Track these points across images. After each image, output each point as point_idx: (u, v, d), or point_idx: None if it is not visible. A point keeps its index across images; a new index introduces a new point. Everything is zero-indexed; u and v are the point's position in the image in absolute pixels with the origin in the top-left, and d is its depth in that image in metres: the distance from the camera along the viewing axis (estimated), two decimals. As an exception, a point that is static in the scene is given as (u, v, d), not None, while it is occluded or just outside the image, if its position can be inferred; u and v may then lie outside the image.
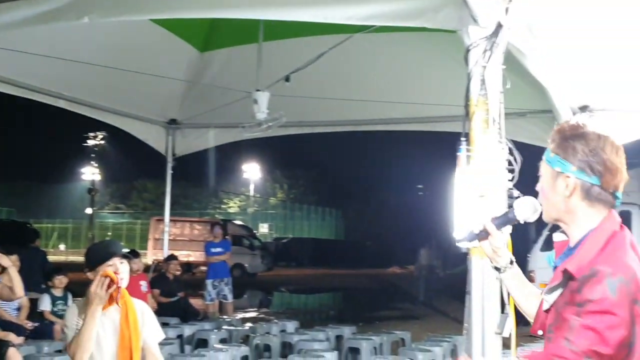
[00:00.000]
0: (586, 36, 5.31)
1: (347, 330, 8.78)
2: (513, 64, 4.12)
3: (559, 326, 2.07)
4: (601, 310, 1.98)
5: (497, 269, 2.54)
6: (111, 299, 3.40)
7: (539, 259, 12.62)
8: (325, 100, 7.97)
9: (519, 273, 2.51)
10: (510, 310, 3.32)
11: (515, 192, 3.42)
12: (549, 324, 2.18)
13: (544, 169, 2.24)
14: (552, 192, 2.22)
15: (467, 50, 3.57)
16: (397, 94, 7.73)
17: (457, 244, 2.67)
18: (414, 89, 7.61)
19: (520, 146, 3.65)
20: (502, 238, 2.47)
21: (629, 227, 2.40)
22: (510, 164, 3.48)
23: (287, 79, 6.90)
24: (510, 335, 3.33)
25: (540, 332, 2.28)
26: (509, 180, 3.46)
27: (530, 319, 2.40)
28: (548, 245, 3.29)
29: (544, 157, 2.24)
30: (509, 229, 2.49)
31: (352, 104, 7.99)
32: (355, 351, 7.72)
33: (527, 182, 3.52)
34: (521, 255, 12.64)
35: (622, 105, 7.12)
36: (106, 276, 3.34)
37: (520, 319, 3.37)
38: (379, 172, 44.36)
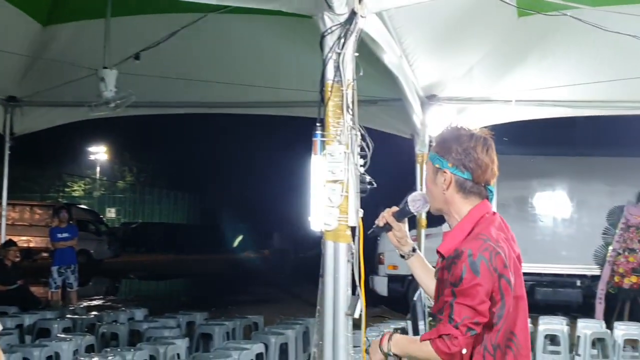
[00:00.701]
0: (434, 29, 5.54)
1: (198, 316, 8.68)
2: (367, 52, 4.20)
3: (442, 309, 2.39)
4: (470, 287, 2.33)
5: (402, 256, 2.90)
6: None
7: (388, 242, 13.13)
8: (179, 81, 7.77)
9: (422, 259, 2.89)
10: (361, 292, 3.39)
11: (367, 177, 3.50)
12: (438, 308, 2.50)
13: (428, 166, 2.61)
14: (433, 185, 2.57)
15: (323, 37, 3.58)
16: (253, 77, 7.68)
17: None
18: (270, 72, 7.60)
19: (371, 133, 3.72)
20: (404, 229, 2.82)
21: None
22: (362, 149, 3.55)
23: (136, 57, 6.65)
24: (360, 316, 3.41)
25: None
26: (361, 166, 3.53)
27: (432, 300, 2.77)
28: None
29: (428, 156, 2.61)
30: (406, 220, 2.82)
31: (207, 86, 7.85)
32: (207, 337, 7.65)
33: (377, 168, 3.62)
34: (373, 239, 13.10)
35: (466, 95, 7.53)
36: None
37: (370, 301, 3.47)
38: (235, 156, 44.01)
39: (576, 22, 5.04)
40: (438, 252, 2.52)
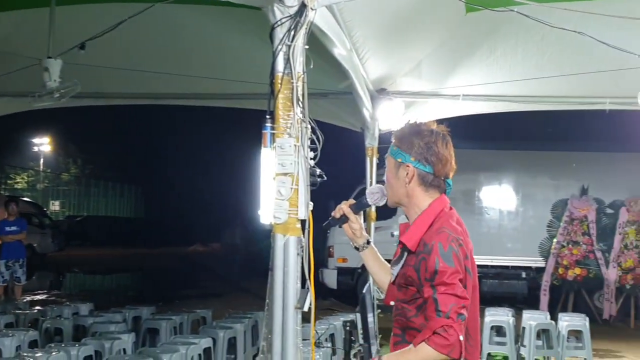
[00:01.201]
0: (384, 23, 5.56)
1: (145, 311, 8.58)
2: (317, 45, 4.19)
3: (424, 307, 2.42)
4: (448, 277, 2.39)
5: (356, 248, 2.95)
6: None
7: (337, 235, 13.21)
8: (125, 72, 7.62)
9: (376, 251, 2.94)
10: (310, 285, 3.39)
11: (318, 170, 3.50)
12: (399, 298, 2.57)
13: (389, 160, 2.70)
14: (395, 179, 2.66)
15: (272, 29, 3.56)
16: (202, 68, 7.58)
17: (324, 226, 3.05)
18: (219, 64, 7.51)
19: (321, 126, 3.72)
20: (359, 221, 2.89)
21: None
22: (313, 142, 3.54)
23: (82, 46, 6.49)
24: (309, 309, 3.40)
25: (392, 303, 2.72)
26: (312, 159, 3.52)
27: (383, 291, 2.85)
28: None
29: (388, 152, 2.69)
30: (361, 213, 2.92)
31: (154, 77, 7.72)
32: (154, 332, 7.56)
33: (327, 161, 3.62)
34: (323, 233, 13.14)
35: (415, 89, 7.60)
36: None
37: (319, 294, 3.47)
38: (183, 148, 43.51)
39: (523, 18, 5.11)
40: (401, 242, 2.58)
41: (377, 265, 2.94)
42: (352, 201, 2.88)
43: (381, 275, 2.90)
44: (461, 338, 2.35)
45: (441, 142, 2.62)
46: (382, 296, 2.94)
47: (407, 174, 2.61)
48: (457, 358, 2.37)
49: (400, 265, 2.62)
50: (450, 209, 2.64)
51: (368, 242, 2.94)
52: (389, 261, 2.86)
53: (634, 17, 5.15)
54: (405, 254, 2.59)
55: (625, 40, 5.65)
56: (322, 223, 3.13)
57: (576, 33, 5.31)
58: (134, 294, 18.37)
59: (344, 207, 2.87)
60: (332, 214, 2.92)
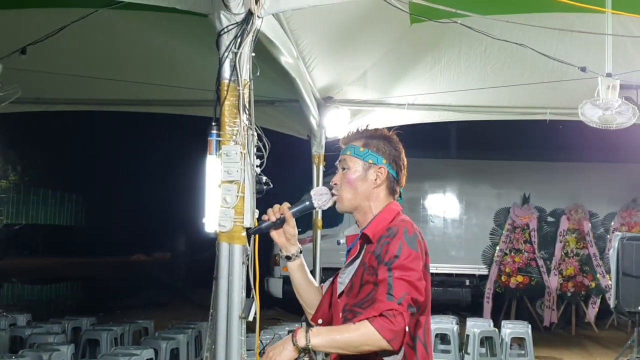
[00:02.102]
0: (330, 33, 5.59)
1: (85, 322, 8.42)
2: (264, 53, 4.18)
3: (375, 289, 2.30)
4: (409, 262, 2.31)
5: (287, 257, 2.74)
6: None
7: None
8: (68, 77, 7.46)
9: (304, 263, 2.77)
10: (255, 294, 3.36)
11: (264, 178, 3.48)
12: (350, 304, 2.43)
13: (353, 162, 2.57)
14: (361, 181, 2.56)
15: (219, 35, 3.54)
16: (147, 75, 7.48)
17: (251, 232, 2.95)
18: (165, 71, 7.42)
19: (268, 133, 3.70)
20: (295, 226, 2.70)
21: None
22: (259, 149, 3.52)
23: (23, 51, 6.34)
24: (254, 319, 3.37)
25: (320, 321, 2.58)
26: (258, 166, 3.50)
27: (308, 308, 2.70)
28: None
29: (348, 152, 2.59)
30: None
31: (97, 83, 7.58)
32: (94, 343, 7.42)
33: (273, 168, 3.61)
34: (270, 241, 13.06)
35: (361, 98, 7.65)
36: None
37: (264, 303, 3.45)
38: (125, 156, 42.74)
39: (466, 30, 5.21)
40: (365, 234, 2.47)
41: (306, 278, 2.75)
42: (287, 204, 2.71)
43: (309, 290, 2.74)
44: (407, 329, 2.22)
45: (402, 149, 2.63)
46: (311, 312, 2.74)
47: (379, 175, 2.55)
48: (396, 350, 2.22)
49: (355, 265, 2.48)
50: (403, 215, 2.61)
51: (300, 252, 2.75)
52: (335, 270, 2.80)
53: (572, 29, 5.30)
54: (365, 246, 2.47)
55: (564, 52, 5.81)
56: (269, 235, 2.89)
57: (518, 45, 5.43)
58: (73, 304, 17.95)
59: (285, 209, 2.68)
60: (264, 216, 2.71)
